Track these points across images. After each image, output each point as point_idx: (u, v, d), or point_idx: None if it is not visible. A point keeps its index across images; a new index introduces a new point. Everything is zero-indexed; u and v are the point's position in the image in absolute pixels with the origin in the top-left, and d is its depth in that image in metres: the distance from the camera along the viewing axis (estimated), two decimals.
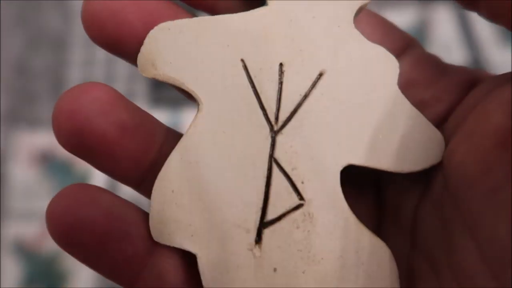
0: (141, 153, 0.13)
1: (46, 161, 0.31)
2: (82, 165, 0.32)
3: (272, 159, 0.13)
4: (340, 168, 0.13)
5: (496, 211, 0.11)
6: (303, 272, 0.13)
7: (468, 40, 0.32)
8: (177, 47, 0.13)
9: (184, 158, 0.13)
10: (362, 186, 0.15)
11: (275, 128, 0.13)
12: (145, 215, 0.13)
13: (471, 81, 0.14)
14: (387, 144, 0.13)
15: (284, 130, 0.13)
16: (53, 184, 0.30)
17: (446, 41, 0.15)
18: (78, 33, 0.33)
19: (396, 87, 0.13)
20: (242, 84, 0.13)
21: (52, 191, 0.30)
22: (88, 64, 0.32)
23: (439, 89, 0.14)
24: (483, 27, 0.33)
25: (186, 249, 0.13)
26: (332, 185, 0.13)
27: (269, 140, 0.13)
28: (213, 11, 0.14)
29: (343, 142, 0.13)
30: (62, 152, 0.32)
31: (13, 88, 0.33)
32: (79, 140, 0.13)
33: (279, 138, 0.13)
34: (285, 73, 0.13)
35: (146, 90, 0.33)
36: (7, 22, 0.33)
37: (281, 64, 0.13)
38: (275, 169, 0.13)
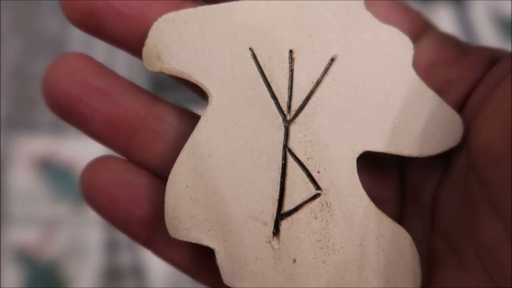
0: (114, 113, 0.14)
1: (45, 166, 0.31)
2: (81, 170, 0.33)
3: (286, 149, 0.13)
4: (356, 156, 0.13)
5: None
6: (323, 262, 0.13)
7: (469, 39, 0.32)
8: (183, 38, 0.13)
9: (197, 152, 0.13)
10: (385, 169, 0.15)
11: (288, 117, 0.13)
12: (158, 182, 0.14)
13: (491, 58, 0.14)
14: (404, 128, 0.13)
15: (297, 119, 0.13)
16: (53, 189, 0.30)
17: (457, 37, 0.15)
18: (77, 38, 0.32)
19: (412, 69, 0.13)
20: (251, 73, 0.13)
21: (51, 196, 0.30)
22: None
23: (463, 68, 0.14)
24: (483, 25, 0.33)
25: (204, 244, 0.13)
26: (349, 173, 0.13)
27: (283, 130, 0.13)
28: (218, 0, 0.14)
29: (358, 128, 0.13)
30: (62, 157, 0.32)
31: (12, 93, 0.32)
32: (54, 101, 0.14)
33: (293, 128, 0.13)
34: (295, 60, 0.13)
35: None
36: (5, 27, 0.33)
37: (291, 51, 0.13)
38: (289, 159, 0.13)
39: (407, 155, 0.13)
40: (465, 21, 0.33)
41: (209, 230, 0.13)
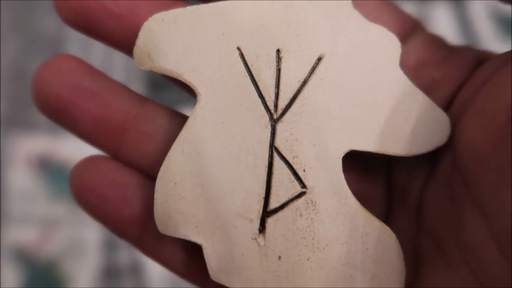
0: (104, 114, 0.14)
1: (43, 165, 0.31)
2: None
3: (272, 147, 0.13)
4: (342, 154, 0.13)
5: (506, 186, 0.11)
6: (308, 259, 0.13)
7: (467, 37, 0.32)
8: (172, 38, 0.13)
9: (185, 150, 0.13)
10: (372, 168, 0.15)
11: (275, 116, 0.13)
12: (147, 182, 0.14)
13: (478, 59, 0.14)
14: (390, 127, 0.13)
15: (284, 118, 0.13)
16: (51, 188, 0.30)
17: (445, 38, 0.15)
18: (74, 37, 0.32)
19: (399, 68, 0.13)
20: (239, 73, 0.13)
21: (50, 195, 0.30)
22: None
23: (450, 68, 0.14)
24: (482, 23, 0.32)
25: (192, 240, 0.13)
26: (334, 172, 0.13)
27: (269, 129, 0.13)
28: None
29: (344, 127, 0.13)
30: (60, 156, 0.32)
31: (10, 92, 0.32)
32: (43, 102, 0.14)
33: (279, 126, 0.13)
34: (282, 60, 0.13)
35: (143, 93, 0.33)
36: (3, 27, 0.33)
37: (278, 51, 0.13)
38: (276, 157, 0.13)
39: (393, 155, 0.13)
40: (464, 19, 0.33)
41: (196, 227, 0.13)
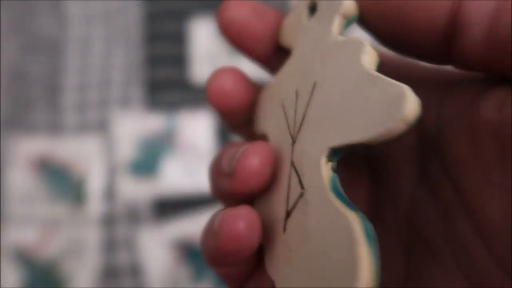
0: None
1: (43, 166, 0.30)
2: (78, 170, 0.30)
3: (291, 162, 0.17)
4: (324, 154, 0.15)
5: (489, 190, 0.12)
6: (302, 250, 0.15)
7: None
8: (258, 108, 0.20)
9: None
10: (358, 171, 0.15)
11: (294, 138, 0.17)
12: None
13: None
14: (351, 117, 0.14)
15: (297, 138, 0.17)
16: (51, 189, 0.30)
17: None
18: (73, 38, 0.32)
19: (359, 64, 0.14)
20: (281, 116, 0.18)
21: (49, 196, 0.30)
22: (83, 70, 0.32)
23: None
24: None
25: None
26: (317, 170, 0.15)
27: (290, 149, 0.17)
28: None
29: (322, 132, 0.15)
30: (59, 157, 0.31)
31: (9, 94, 0.33)
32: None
33: (295, 146, 0.17)
34: (298, 97, 0.17)
35: (142, 94, 0.31)
36: (3, 28, 0.34)
37: (296, 92, 0.17)
38: (292, 169, 0.16)
39: (358, 143, 0.13)
40: None
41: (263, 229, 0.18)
